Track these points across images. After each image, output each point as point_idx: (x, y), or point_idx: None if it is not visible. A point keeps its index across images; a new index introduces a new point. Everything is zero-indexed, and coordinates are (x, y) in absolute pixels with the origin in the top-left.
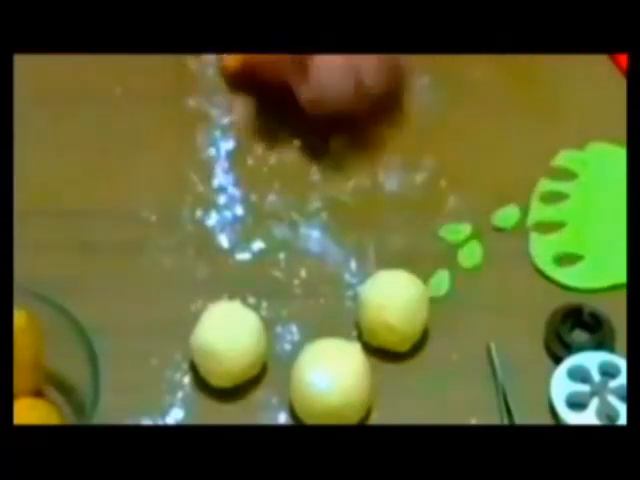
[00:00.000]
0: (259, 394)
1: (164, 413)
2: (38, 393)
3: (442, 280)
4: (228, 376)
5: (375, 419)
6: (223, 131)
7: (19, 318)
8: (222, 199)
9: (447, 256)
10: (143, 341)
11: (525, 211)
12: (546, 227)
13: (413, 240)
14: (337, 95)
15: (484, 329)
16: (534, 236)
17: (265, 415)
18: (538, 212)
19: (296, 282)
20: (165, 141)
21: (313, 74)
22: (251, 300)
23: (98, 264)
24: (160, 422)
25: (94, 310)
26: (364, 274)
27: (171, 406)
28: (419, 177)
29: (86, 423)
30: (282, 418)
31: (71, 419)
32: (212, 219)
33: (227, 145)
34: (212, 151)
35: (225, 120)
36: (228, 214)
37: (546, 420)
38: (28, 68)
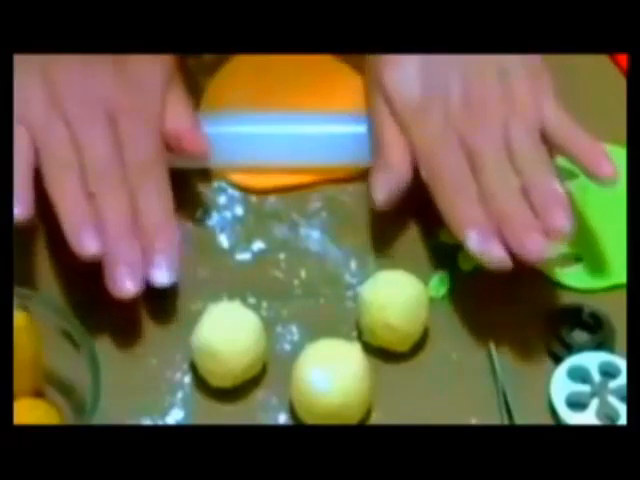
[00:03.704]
0: (259, 394)
1: (164, 413)
2: (38, 393)
3: (442, 280)
4: (228, 376)
5: (375, 419)
6: None
7: (19, 318)
8: (222, 199)
9: (447, 258)
10: (143, 341)
11: None
12: None
13: (413, 242)
14: None
15: (484, 329)
16: None
17: (265, 415)
18: None
19: (296, 282)
20: None
21: None
22: (251, 300)
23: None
24: (160, 422)
25: (94, 310)
26: (364, 274)
27: (171, 406)
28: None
29: (86, 423)
30: (282, 418)
31: (71, 419)
32: (212, 219)
33: None
34: None
35: None
36: (228, 214)
37: (546, 420)
38: None
